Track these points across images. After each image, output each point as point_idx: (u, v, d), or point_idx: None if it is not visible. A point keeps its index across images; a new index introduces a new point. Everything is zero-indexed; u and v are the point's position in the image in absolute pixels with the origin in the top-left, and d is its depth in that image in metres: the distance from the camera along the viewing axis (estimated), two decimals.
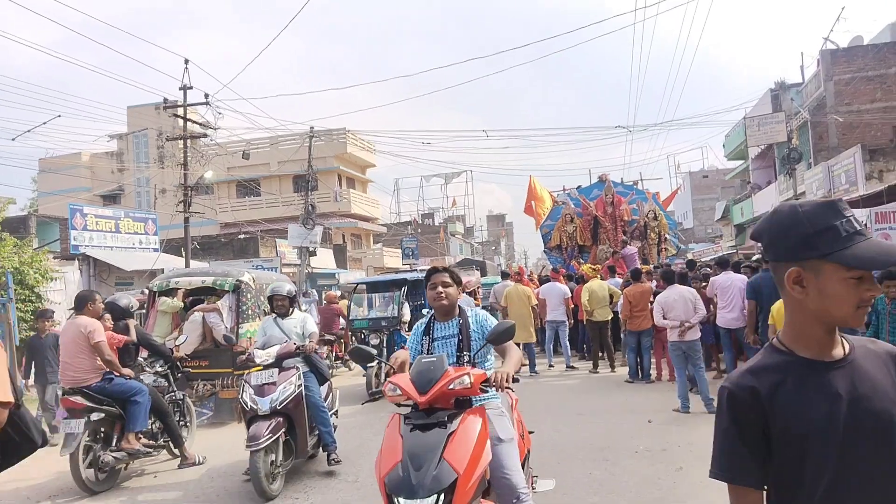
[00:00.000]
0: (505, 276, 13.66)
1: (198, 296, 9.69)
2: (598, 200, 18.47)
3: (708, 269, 13.03)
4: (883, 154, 15.62)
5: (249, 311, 8.85)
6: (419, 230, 48.60)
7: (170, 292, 9.15)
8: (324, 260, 30.04)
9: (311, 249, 19.95)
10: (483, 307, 15.33)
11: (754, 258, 11.62)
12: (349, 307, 12.59)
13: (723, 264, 9.01)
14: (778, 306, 6.40)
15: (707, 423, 7.05)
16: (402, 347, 8.09)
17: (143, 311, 9.69)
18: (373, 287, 13.60)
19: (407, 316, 11.00)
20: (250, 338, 8.24)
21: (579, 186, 19.70)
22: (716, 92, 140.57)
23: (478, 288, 16.75)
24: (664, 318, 7.88)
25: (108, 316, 6.55)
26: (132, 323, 6.94)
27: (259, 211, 36.30)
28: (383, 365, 8.37)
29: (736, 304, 8.54)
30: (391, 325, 10.72)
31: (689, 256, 30.32)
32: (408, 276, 12.04)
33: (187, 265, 17.43)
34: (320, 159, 35.56)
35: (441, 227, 54.36)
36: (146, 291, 9.96)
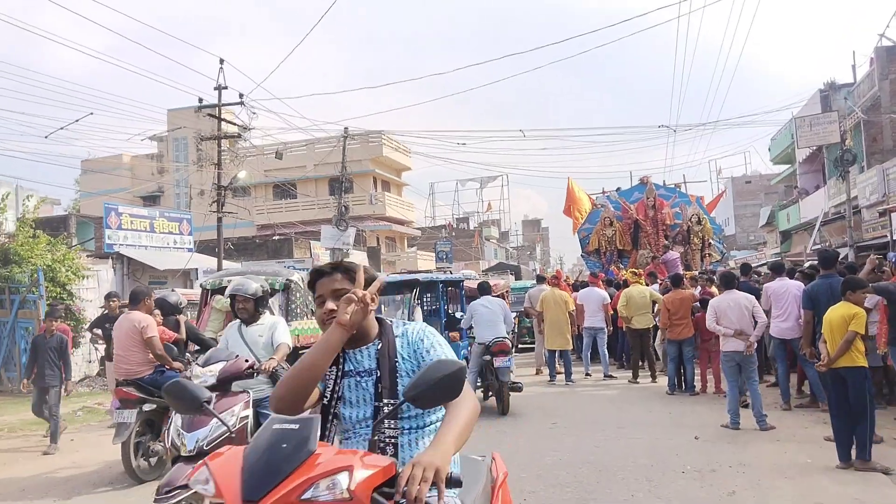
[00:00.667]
0: (541, 279, 13.18)
1: None
2: (639, 203, 17.90)
3: (756, 276, 12.39)
4: None
5: (298, 310, 8.92)
6: (453, 234, 48.26)
7: (223, 290, 9.26)
8: (360, 262, 29.87)
9: (343, 251, 19.71)
10: (517, 313, 14.97)
11: (807, 264, 10.92)
12: None
13: (777, 269, 8.36)
14: (831, 315, 5.82)
15: (760, 441, 6.51)
16: None
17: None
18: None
19: None
20: (297, 336, 8.14)
21: (619, 189, 19.12)
22: (762, 94, 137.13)
23: (506, 292, 16.26)
24: (717, 325, 7.33)
25: (157, 311, 6.78)
26: (182, 319, 7.18)
27: (295, 213, 36.42)
28: None
29: (791, 313, 7.93)
30: None
31: (731, 263, 29.35)
32: (420, 276, 10.07)
33: (220, 266, 17.37)
34: (356, 162, 35.56)
35: (476, 231, 53.98)
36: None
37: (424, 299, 10.99)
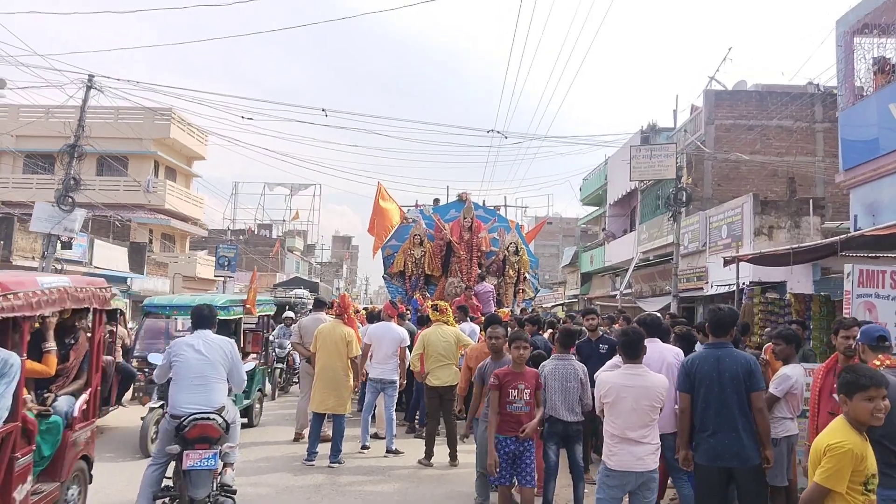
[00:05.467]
0: (319, 304, 9.68)
1: None
2: (455, 223, 15.21)
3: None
4: (775, 208, 13.83)
5: None
6: (241, 239, 43.04)
7: None
8: (114, 259, 24.24)
9: (64, 239, 14.69)
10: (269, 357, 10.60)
11: (648, 314, 8.51)
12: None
13: (653, 328, 5.60)
14: (816, 443, 3.08)
15: None
16: None
17: None
18: None
19: None
20: None
21: (437, 200, 16.29)
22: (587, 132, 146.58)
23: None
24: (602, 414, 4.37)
25: None
26: None
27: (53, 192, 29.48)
28: None
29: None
30: None
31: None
32: None
33: None
34: (135, 141, 29.76)
35: (278, 239, 49.20)
36: None
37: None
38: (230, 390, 5.31)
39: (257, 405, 9.71)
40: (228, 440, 4.92)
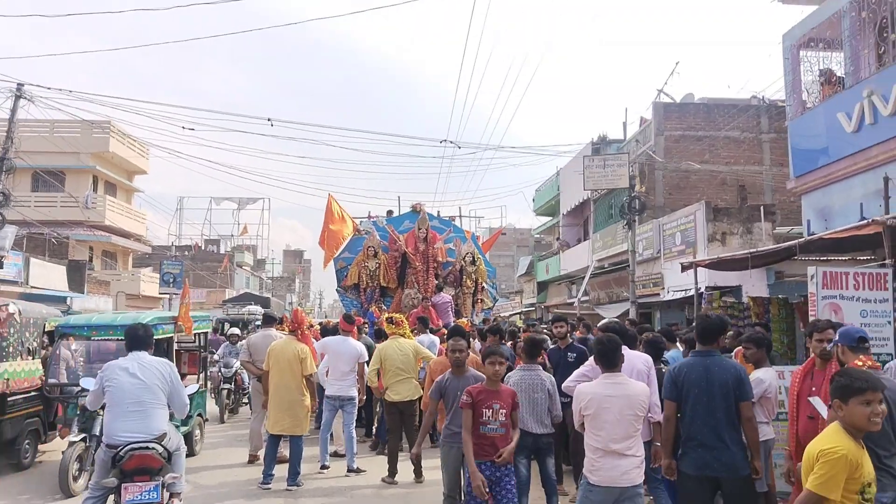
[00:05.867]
0: (269, 320, 9.21)
1: None
2: (409, 234, 14.95)
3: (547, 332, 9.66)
4: (727, 214, 14.03)
5: (10, 349, 7.47)
6: (188, 255, 41.74)
7: None
8: (52, 278, 23.05)
9: None
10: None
11: (610, 320, 8.39)
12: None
13: (620, 334, 5.40)
14: (810, 448, 2.88)
15: None
16: None
17: None
18: None
19: None
20: (7, 380, 7.35)
21: (390, 212, 16.00)
22: (540, 142, 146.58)
23: None
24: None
25: None
26: None
27: None
28: None
29: None
30: None
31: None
32: None
33: None
34: (71, 155, 28.54)
35: (227, 255, 47.96)
36: None
37: None
38: (171, 416, 4.89)
39: (197, 431, 8.83)
40: (172, 470, 4.50)
